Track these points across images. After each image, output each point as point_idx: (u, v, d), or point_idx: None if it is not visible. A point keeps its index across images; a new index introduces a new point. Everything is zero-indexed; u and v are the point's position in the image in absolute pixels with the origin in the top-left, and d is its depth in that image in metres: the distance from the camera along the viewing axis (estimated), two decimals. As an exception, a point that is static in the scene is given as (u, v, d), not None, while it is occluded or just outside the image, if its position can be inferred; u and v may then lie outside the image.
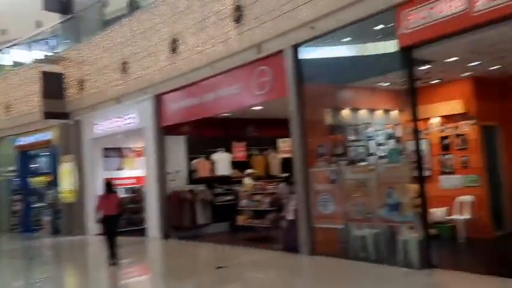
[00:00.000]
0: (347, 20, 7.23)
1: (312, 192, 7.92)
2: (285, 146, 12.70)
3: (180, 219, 11.41)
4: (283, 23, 8.21)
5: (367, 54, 7.96)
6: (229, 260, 8.47)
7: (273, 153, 13.12)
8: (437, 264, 6.39)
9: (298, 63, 8.20)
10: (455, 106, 8.90)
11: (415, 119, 6.81)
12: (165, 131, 11.74)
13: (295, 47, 8.19)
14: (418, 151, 6.69)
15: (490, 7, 5.52)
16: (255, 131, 13.16)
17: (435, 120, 9.34)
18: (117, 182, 12.36)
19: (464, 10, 5.79)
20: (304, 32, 7.92)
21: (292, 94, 8.21)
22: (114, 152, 14.53)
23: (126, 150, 14.64)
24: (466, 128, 8.84)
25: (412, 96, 6.86)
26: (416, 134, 6.76)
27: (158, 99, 11.75)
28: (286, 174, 9.82)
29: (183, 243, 10.93)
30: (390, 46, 6.94)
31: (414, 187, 6.62)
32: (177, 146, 12.11)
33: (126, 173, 14.51)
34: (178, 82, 11.00)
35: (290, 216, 8.43)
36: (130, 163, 14.57)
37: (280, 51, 8.42)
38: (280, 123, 9.20)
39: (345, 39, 7.99)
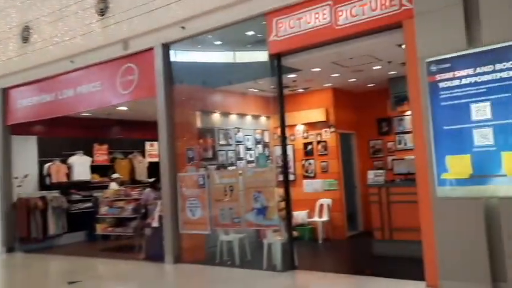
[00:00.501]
0: (219, 23, 7.11)
1: (180, 197, 7.61)
2: (153, 150, 12.18)
3: (28, 230, 10.07)
4: (153, 19, 7.77)
5: (239, 59, 7.97)
6: (84, 273, 7.67)
7: (140, 157, 12.46)
8: (299, 265, 6.59)
9: (169, 63, 7.83)
10: (317, 114, 9.43)
11: (282, 125, 6.96)
12: (12, 130, 10.32)
13: (166, 46, 7.81)
14: (284, 156, 6.85)
15: (351, 22, 5.88)
16: (120, 132, 12.36)
17: (300, 127, 9.78)
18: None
19: (328, 23, 6.07)
20: (175, 32, 7.59)
21: (160, 95, 7.81)
22: None
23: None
24: (327, 135, 9.43)
25: (280, 103, 7.00)
26: (283, 140, 6.92)
27: (4, 94, 10.30)
28: (152, 179, 9.34)
29: (31, 256, 9.65)
30: (261, 53, 7.01)
31: (280, 191, 6.76)
32: (27, 148, 10.73)
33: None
34: (30, 75, 9.76)
35: (155, 224, 7.99)
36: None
37: (149, 49, 7.96)
38: (148, 126, 8.72)
39: (217, 43, 7.89)
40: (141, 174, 12.21)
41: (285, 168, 6.81)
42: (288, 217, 6.70)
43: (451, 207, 4.85)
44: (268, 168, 6.87)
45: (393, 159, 8.47)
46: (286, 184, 6.76)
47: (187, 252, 7.59)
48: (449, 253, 4.85)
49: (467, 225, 4.75)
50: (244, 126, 9.79)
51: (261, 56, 7.02)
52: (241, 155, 9.60)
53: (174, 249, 7.57)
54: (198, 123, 8.57)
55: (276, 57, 6.80)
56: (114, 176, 11.27)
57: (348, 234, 9.31)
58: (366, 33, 5.88)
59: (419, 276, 5.27)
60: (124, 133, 12.45)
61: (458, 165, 4.80)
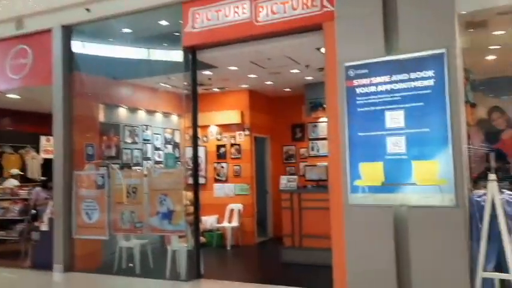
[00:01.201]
0: (129, 8, 6.49)
1: (75, 198, 6.81)
2: (49, 146, 10.99)
3: None
4: (54, -2, 6.92)
5: (151, 50, 7.37)
6: (-46, 284, 6.55)
7: (33, 153, 11.19)
8: (205, 274, 6.17)
9: (69, 48, 7.02)
10: (232, 116, 9.10)
11: (194, 125, 6.52)
12: None
13: (67, 29, 6.99)
14: (195, 158, 6.41)
15: (271, 19, 5.62)
16: (10, 124, 11.00)
17: (213, 129, 9.39)
18: None
19: (248, 19, 5.77)
20: (79, 13, 6.81)
21: (57, 83, 6.95)
22: None
23: None
24: (241, 138, 9.14)
25: (193, 101, 6.56)
26: (194, 140, 6.48)
27: None
28: (44, 178, 8.35)
29: None
30: (175, 45, 6.51)
31: (188, 195, 6.30)
32: None
33: None
34: None
35: (44, 227, 7.07)
36: None
37: (47, 31, 7.07)
38: (45, 118, 7.74)
39: (127, 30, 7.21)
40: (34, 171, 10.96)
41: (195, 171, 6.36)
42: (196, 222, 6.25)
43: (362, 215, 4.74)
44: (177, 170, 6.38)
45: (306, 165, 8.40)
46: (196, 187, 6.32)
47: (80, 260, 6.80)
48: (358, 261, 4.73)
49: (377, 233, 4.67)
50: (154, 124, 9.16)
51: (174, 48, 6.53)
52: (149, 155, 8.95)
53: (65, 256, 6.75)
54: (101, 118, 7.79)
55: (191, 51, 6.35)
56: (14, 171, 9.93)
57: (258, 241, 9.08)
58: (286, 32, 5.66)
59: (327, 285, 5.12)
60: (15, 125, 11.10)
61: (371, 172, 4.72)
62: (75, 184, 6.85)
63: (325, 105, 8.31)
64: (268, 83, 8.39)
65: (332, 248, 5.14)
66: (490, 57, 6.81)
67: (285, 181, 7.19)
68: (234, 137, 9.21)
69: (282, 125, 9.71)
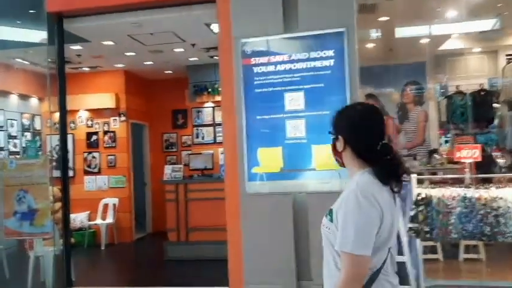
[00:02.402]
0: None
1: None
2: None
3: None
4: None
5: (2, 15, 6.06)
6: None
7: None
8: (76, 281, 5.28)
9: None
10: (105, 100, 8.11)
11: (62, 109, 5.52)
12: None
13: None
14: (63, 146, 5.43)
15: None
16: None
17: (83, 114, 8.27)
18: None
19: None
20: None
21: None
22: None
23: None
24: (116, 125, 8.20)
25: (60, 80, 5.53)
26: (63, 127, 5.49)
27: None
28: None
29: None
30: (36, 10, 5.40)
31: (54, 190, 5.32)
32: None
33: None
34: None
35: None
36: None
37: None
38: None
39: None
40: None
41: (64, 161, 5.39)
42: (65, 221, 5.30)
43: (260, 204, 4.41)
44: (40, 160, 5.32)
45: (190, 154, 7.86)
46: (65, 180, 5.36)
47: None
48: (256, 253, 4.40)
49: (276, 222, 4.39)
50: (8, 107, 7.71)
51: (35, 14, 5.42)
52: (2, 144, 7.51)
53: None
54: None
55: (57, 19, 5.31)
56: None
57: (136, 237, 8.29)
58: (174, 3, 5.03)
59: (220, 279, 4.70)
60: None
61: (270, 158, 4.41)
62: None
63: (210, 90, 7.89)
64: (148, 63, 7.61)
65: (228, 240, 4.72)
66: (370, 45, 7.05)
67: (169, 171, 6.57)
68: (107, 123, 8.23)
69: (162, 111, 8.98)
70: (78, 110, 8.18)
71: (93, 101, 8.10)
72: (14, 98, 7.86)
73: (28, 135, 8.06)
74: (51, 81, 5.68)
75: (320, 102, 4.33)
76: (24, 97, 8.04)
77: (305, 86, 4.37)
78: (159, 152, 9.10)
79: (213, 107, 8.08)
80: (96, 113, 8.23)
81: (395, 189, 1.60)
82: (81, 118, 8.28)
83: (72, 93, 7.07)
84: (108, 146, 8.20)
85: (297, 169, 4.37)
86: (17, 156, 7.53)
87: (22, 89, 7.91)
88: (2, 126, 7.52)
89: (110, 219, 7.85)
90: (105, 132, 8.22)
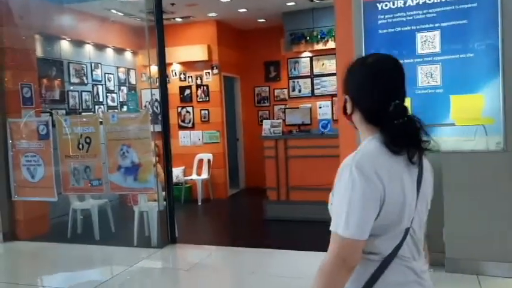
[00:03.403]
0: None
1: (11, 152, 5.48)
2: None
3: None
4: None
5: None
6: None
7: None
8: (178, 237, 5.16)
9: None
10: (198, 52, 7.80)
11: (160, 62, 5.29)
12: None
13: None
14: (163, 101, 5.23)
15: None
16: None
17: (176, 67, 8.08)
18: None
19: None
20: None
21: (-23, 4, 5.38)
22: None
23: None
24: (209, 78, 7.92)
25: (158, 32, 5.29)
26: (161, 80, 5.27)
27: None
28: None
29: None
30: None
31: (156, 144, 5.17)
32: None
33: None
34: None
35: (-25, 188, 5.72)
36: None
37: None
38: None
39: None
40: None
41: (164, 116, 5.19)
42: (168, 177, 5.16)
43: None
44: (142, 114, 5.16)
45: (286, 108, 7.39)
46: (166, 136, 5.18)
47: (24, 226, 5.58)
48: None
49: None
50: (104, 61, 7.71)
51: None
52: (101, 99, 7.57)
53: (5, 223, 5.51)
54: (38, 52, 6.28)
55: (153, -36, 4.97)
56: None
57: (230, 193, 8.16)
58: None
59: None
60: None
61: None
62: (10, 135, 5.49)
63: (308, 38, 7.25)
64: (242, 10, 7.11)
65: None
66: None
67: (268, 126, 6.16)
68: (200, 76, 7.97)
69: (253, 63, 8.53)
70: (171, 64, 7.98)
71: (185, 54, 7.84)
72: (110, 52, 7.83)
73: (124, 89, 8.07)
74: (147, 32, 5.46)
75: (462, 43, 3.58)
76: (119, 51, 7.99)
77: (442, 24, 3.64)
78: (250, 107, 8.75)
79: (311, 57, 7.46)
80: (189, 66, 7.99)
81: (413, 159, 1.28)
82: (174, 71, 8.10)
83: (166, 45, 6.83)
84: (201, 100, 7.98)
85: (430, 124, 3.73)
86: (116, 110, 7.58)
87: (117, 42, 7.84)
88: (100, 81, 7.55)
89: (205, 175, 7.74)
90: (198, 86, 7.99)
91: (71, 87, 6.94)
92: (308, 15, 7.15)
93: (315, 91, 7.52)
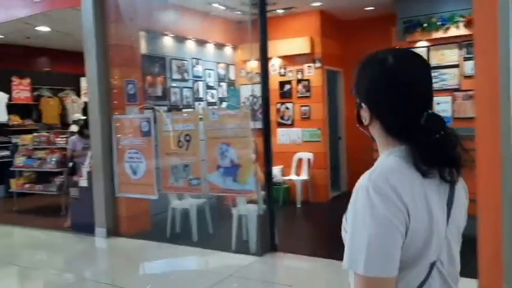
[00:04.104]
0: None
1: (116, 148, 5.53)
2: (89, 87, 9.79)
3: None
4: None
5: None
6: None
7: (73, 96, 10.11)
8: (279, 245, 4.78)
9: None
10: (300, 45, 7.36)
11: (263, 56, 4.97)
12: None
13: None
14: (265, 98, 4.89)
15: None
16: (48, 64, 9.85)
17: (276, 61, 7.72)
18: None
19: None
20: None
21: (87, 3, 5.49)
22: None
23: None
24: (310, 72, 7.45)
25: (261, 25, 4.98)
26: (263, 76, 4.95)
27: None
28: (81, 118, 7.12)
29: None
30: None
31: (255, 143, 4.84)
32: None
33: None
34: None
35: (83, 182, 5.91)
36: None
37: None
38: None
39: None
40: (76, 116, 9.89)
41: (265, 114, 4.85)
42: (269, 179, 4.81)
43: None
44: (242, 111, 4.87)
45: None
46: (267, 134, 4.83)
47: (126, 222, 5.63)
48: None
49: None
50: (205, 57, 7.61)
51: None
52: (201, 95, 7.49)
53: (108, 218, 5.60)
54: (143, 49, 6.32)
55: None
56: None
57: (331, 196, 7.63)
58: None
59: (466, 269, 3.57)
60: (53, 66, 9.95)
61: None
62: (115, 131, 5.55)
63: (425, 25, 6.44)
64: (347, -2, 6.53)
65: (478, 216, 3.54)
66: None
67: (378, 124, 5.53)
68: (301, 71, 7.52)
69: (359, 55, 7.75)
70: (270, 58, 7.61)
71: (286, 47, 7.44)
72: (210, 47, 7.72)
73: (223, 85, 7.92)
74: (248, 26, 5.20)
75: None
76: (219, 46, 7.86)
77: None
78: (354, 103, 8.08)
79: (428, 47, 6.62)
80: (289, 60, 7.58)
81: (448, 178, 1.05)
82: (273, 66, 7.75)
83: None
84: (301, 95, 7.54)
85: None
86: (216, 107, 7.45)
87: (217, 37, 7.71)
88: (200, 77, 7.47)
89: (304, 176, 7.31)
90: (299, 81, 7.55)
91: (173, 84, 6.93)
92: (424, 1, 6.34)
93: (433, 85, 6.66)
